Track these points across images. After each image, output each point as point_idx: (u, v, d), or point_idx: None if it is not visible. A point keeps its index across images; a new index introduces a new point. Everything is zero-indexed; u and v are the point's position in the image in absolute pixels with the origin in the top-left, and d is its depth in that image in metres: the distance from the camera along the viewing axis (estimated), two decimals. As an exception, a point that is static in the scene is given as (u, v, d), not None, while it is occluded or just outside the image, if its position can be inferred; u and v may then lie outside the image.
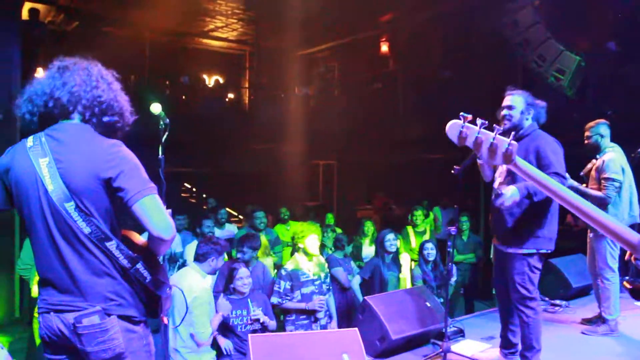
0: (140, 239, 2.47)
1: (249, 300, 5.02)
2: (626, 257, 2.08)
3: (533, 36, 8.71)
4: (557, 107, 9.66)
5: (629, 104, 8.28)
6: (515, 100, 4.35)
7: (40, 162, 2.21)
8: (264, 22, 14.05)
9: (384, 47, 14.65)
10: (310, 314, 5.36)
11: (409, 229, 8.75)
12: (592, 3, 9.74)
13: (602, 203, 5.30)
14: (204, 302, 4.55)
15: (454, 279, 6.33)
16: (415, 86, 12.64)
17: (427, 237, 8.83)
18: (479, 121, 2.05)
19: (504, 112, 4.34)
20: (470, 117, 2.05)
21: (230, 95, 16.01)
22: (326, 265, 5.80)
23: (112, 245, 2.24)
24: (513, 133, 2.19)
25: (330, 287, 5.77)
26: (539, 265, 4.29)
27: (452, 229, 4.91)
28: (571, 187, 5.55)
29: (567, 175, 4.39)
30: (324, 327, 5.44)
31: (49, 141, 2.26)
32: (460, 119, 2.06)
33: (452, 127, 2.07)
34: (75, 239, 2.22)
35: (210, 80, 15.81)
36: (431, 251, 6.58)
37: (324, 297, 5.49)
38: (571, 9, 9.53)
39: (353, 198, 14.73)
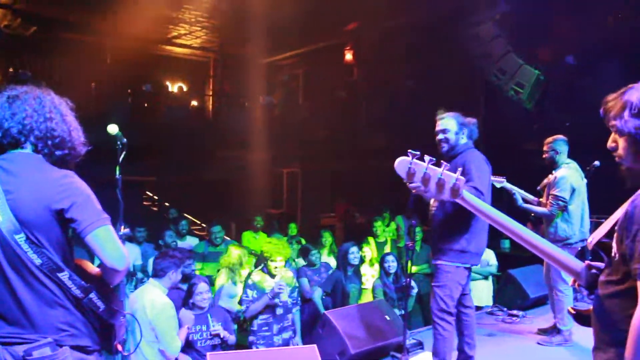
0: (93, 268, 2.44)
1: (208, 315, 4.98)
2: (570, 284, 2.16)
3: (494, 49, 8.88)
4: (517, 119, 9.96)
5: (586, 116, 8.46)
6: (448, 124, 4.53)
7: None
8: (228, 29, 13.99)
9: (349, 56, 14.73)
10: (273, 307, 5.35)
11: (370, 239, 8.80)
12: (551, 18, 9.98)
13: (547, 219, 5.47)
14: (169, 316, 4.49)
15: (414, 290, 6.39)
16: (380, 95, 12.75)
17: (388, 247, 8.92)
18: (426, 158, 2.11)
19: (440, 136, 4.51)
20: (418, 153, 2.10)
21: (194, 103, 15.90)
22: (294, 280, 5.79)
23: (64, 275, 2.20)
24: (460, 170, 2.23)
25: (298, 302, 5.75)
26: (463, 281, 4.37)
27: (409, 244, 5.00)
28: (523, 199, 5.71)
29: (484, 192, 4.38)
30: (286, 340, 5.43)
31: None
32: (408, 155, 2.10)
33: (401, 164, 2.12)
34: (26, 271, 2.17)
35: (173, 87, 15.68)
36: (392, 264, 6.63)
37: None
38: (530, 24, 9.75)
39: (317, 206, 14.76)
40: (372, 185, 13.02)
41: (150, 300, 4.43)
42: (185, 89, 16.08)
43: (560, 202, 5.36)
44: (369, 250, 7.83)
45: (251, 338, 5.37)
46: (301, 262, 7.69)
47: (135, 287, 6.09)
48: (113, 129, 3.54)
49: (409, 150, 2.12)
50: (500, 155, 10.19)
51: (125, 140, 3.68)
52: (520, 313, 6.57)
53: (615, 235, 1.88)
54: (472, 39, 9.04)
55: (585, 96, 9.24)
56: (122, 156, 3.69)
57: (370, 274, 7.19)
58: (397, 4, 10.77)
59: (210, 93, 16.55)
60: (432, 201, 4.50)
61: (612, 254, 1.89)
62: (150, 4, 11.25)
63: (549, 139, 5.67)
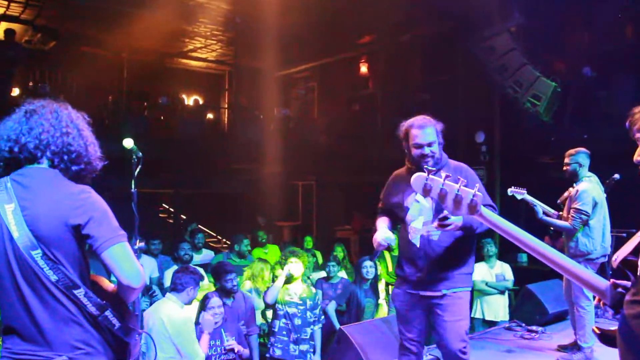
0: (109, 284, 2.42)
1: (222, 330, 4.96)
2: (595, 302, 2.10)
3: (509, 62, 8.83)
4: (533, 131, 9.89)
5: (603, 128, 8.41)
6: (433, 135, 3.76)
7: (6, 208, 2.15)
8: (243, 43, 14.07)
9: (363, 69, 14.75)
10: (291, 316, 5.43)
11: (386, 253, 8.75)
12: (567, 29, 9.93)
13: (568, 233, 5.37)
14: (189, 330, 4.50)
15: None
16: (395, 107, 12.72)
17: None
18: (442, 173, 2.12)
19: (425, 150, 3.71)
20: (435, 169, 2.16)
21: (210, 116, 15.95)
22: (317, 295, 5.82)
23: (80, 292, 2.18)
24: (478, 186, 2.20)
25: (319, 319, 5.74)
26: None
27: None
28: (543, 212, 5.62)
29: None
30: (303, 353, 5.46)
31: (15, 186, 2.19)
32: (424, 171, 2.12)
33: (417, 180, 2.15)
34: (42, 287, 2.15)
35: (189, 100, 15.76)
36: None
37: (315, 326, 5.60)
38: (547, 35, 9.70)
39: (332, 218, 14.72)
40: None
41: (168, 316, 4.43)
42: (201, 102, 16.16)
43: (582, 215, 5.26)
44: (382, 265, 7.79)
45: (272, 339, 5.52)
46: (316, 276, 7.68)
47: (151, 302, 6.08)
48: (129, 142, 3.56)
49: (426, 167, 2.17)
50: (517, 168, 10.18)
51: (140, 154, 3.69)
52: (540, 329, 6.46)
53: None
54: (488, 52, 8.99)
55: (603, 108, 9.19)
56: (138, 170, 3.71)
57: (382, 288, 7.14)
58: (411, 17, 10.77)
59: (226, 106, 16.62)
60: (417, 223, 3.81)
61: (639, 273, 1.85)
62: (166, 18, 11.34)
63: (571, 151, 5.56)
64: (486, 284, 7.41)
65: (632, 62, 9.22)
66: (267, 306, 5.86)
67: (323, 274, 7.73)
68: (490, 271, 7.52)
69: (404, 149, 3.91)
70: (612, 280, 1.98)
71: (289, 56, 14.03)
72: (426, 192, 2.14)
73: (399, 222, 4.00)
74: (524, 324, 6.61)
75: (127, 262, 2.21)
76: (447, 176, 2.12)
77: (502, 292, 7.49)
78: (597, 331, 2.11)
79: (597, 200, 5.34)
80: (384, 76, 13.93)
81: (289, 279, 5.60)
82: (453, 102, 10.84)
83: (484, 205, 3.41)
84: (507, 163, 10.13)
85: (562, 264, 2.07)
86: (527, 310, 6.86)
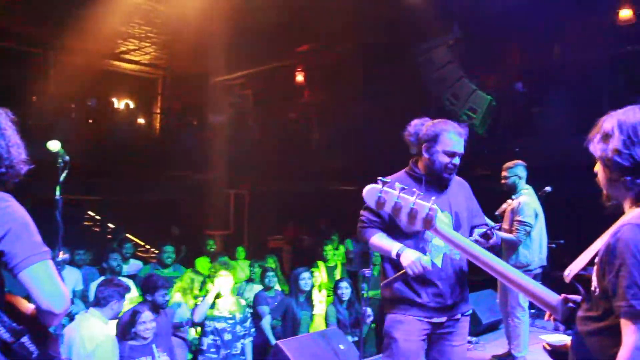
0: (27, 305, 2.12)
1: (153, 345, 4.71)
2: (545, 318, 2.08)
3: (447, 75, 8.96)
4: (468, 143, 10.04)
5: (535, 142, 8.66)
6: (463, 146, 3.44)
7: None
8: (178, 47, 13.73)
9: (300, 77, 14.68)
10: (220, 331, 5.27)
11: (320, 264, 8.66)
12: (501, 46, 10.20)
13: (512, 245, 5.42)
14: (108, 351, 4.22)
15: (370, 319, 6.26)
16: (332, 117, 12.71)
17: (338, 271, 8.77)
18: (397, 185, 2.00)
19: (455, 160, 3.40)
20: (389, 181, 1.99)
21: (141, 121, 15.49)
22: (246, 308, 5.66)
23: None
24: (433, 199, 2.08)
25: (250, 332, 5.58)
26: None
27: (367, 272, 4.86)
28: (489, 227, 5.64)
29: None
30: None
31: None
32: (378, 182, 1.99)
33: (370, 192, 2.01)
34: None
35: (119, 104, 15.24)
36: (345, 290, 6.49)
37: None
38: (482, 51, 9.93)
39: (264, 228, 14.54)
40: (321, 208, 12.93)
41: (89, 333, 4.14)
42: (132, 106, 15.66)
43: (526, 227, 5.33)
44: (319, 275, 7.69)
45: (200, 358, 5.30)
46: (255, 287, 7.49)
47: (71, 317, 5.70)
48: (54, 145, 3.30)
49: (379, 178, 2.01)
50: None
51: (67, 157, 3.44)
52: (474, 339, 6.49)
53: (595, 268, 1.79)
54: (426, 64, 9.10)
55: (534, 123, 9.47)
56: (64, 175, 3.45)
57: (318, 300, 7.02)
58: (350, 27, 10.79)
59: (159, 111, 16.17)
60: (445, 246, 3.34)
61: (592, 288, 1.80)
62: (98, 17, 10.92)
63: (509, 164, 5.64)
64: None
65: (561, 78, 9.57)
66: (195, 324, 5.61)
67: (256, 287, 7.57)
68: None
69: (418, 152, 3.49)
70: (563, 295, 1.96)
71: (224, 62, 13.80)
72: (379, 205, 2.01)
73: (402, 238, 3.31)
74: (458, 334, 6.62)
75: (49, 284, 1.92)
76: (402, 188, 2.01)
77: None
78: (548, 347, 2.07)
79: (537, 211, 5.43)
80: (320, 85, 13.91)
81: (218, 295, 5.42)
82: (390, 113, 10.90)
83: (479, 226, 3.49)
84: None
85: (514, 278, 2.04)
86: (461, 322, 6.88)
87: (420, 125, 3.55)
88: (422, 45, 9.29)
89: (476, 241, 3.28)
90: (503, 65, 10.24)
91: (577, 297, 1.94)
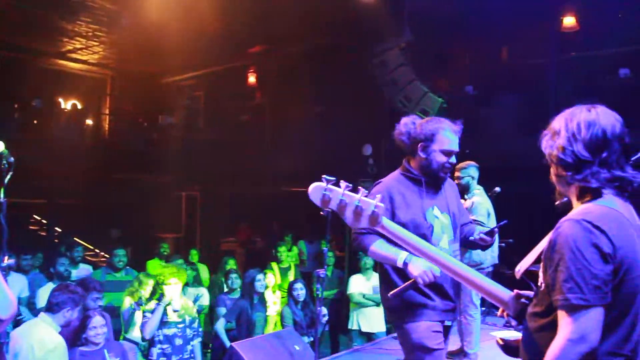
0: None
1: (105, 351, 4.60)
2: (498, 314, 2.12)
3: (399, 77, 9.05)
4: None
5: (485, 144, 8.84)
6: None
7: None
8: (127, 46, 13.44)
9: (252, 79, 14.60)
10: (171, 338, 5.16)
11: (274, 265, 8.65)
12: (451, 50, 10.40)
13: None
14: (58, 358, 4.08)
15: (325, 318, 6.27)
16: (285, 119, 12.69)
17: (292, 272, 8.78)
18: (342, 184, 2.02)
19: (452, 159, 3.35)
20: (333, 179, 2.01)
21: (89, 122, 15.11)
22: (194, 309, 5.53)
23: None
24: (379, 197, 2.08)
25: (199, 334, 5.50)
26: None
27: (321, 272, 4.87)
28: (496, 225, 5.71)
29: None
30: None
31: None
32: (322, 181, 2.00)
33: (315, 191, 2.02)
34: None
35: (66, 104, 14.83)
36: (301, 292, 6.50)
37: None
38: (433, 54, 10.10)
39: (217, 231, 14.41)
40: (274, 210, 12.90)
41: (40, 340, 4.00)
42: (79, 106, 15.25)
43: (481, 226, 5.43)
44: (273, 277, 7.67)
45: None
46: (195, 291, 7.41)
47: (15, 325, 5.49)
48: (-2, 146, 3.19)
49: (323, 176, 2.02)
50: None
51: (12, 159, 3.34)
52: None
53: (541, 264, 1.85)
54: (379, 66, 9.19)
55: (484, 126, 9.67)
56: (9, 177, 3.35)
57: (272, 301, 7.01)
58: (302, 28, 10.79)
59: (107, 112, 15.81)
60: (449, 247, 3.36)
61: (539, 284, 1.86)
62: (42, 13, 10.61)
63: (462, 165, 5.75)
64: (363, 296, 7.43)
65: (509, 82, 9.82)
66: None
67: (202, 290, 7.51)
68: (367, 283, 7.53)
69: (411, 152, 3.36)
70: (515, 291, 2.00)
71: (175, 63, 13.61)
72: (324, 203, 2.02)
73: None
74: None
75: None
76: (346, 186, 2.02)
77: (378, 305, 7.53)
78: (501, 342, 2.12)
79: (489, 211, 5.55)
80: (273, 87, 13.86)
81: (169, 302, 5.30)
82: (342, 115, 10.97)
83: (465, 224, 3.47)
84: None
85: (467, 276, 2.08)
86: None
87: (411, 124, 3.42)
88: (374, 47, 9.36)
89: (481, 239, 3.30)
90: (454, 69, 10.44)
91: (530, 293, 1.99)
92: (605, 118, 1.87)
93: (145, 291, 6.26)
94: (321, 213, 4.71)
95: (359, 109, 10.65)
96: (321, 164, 11.09)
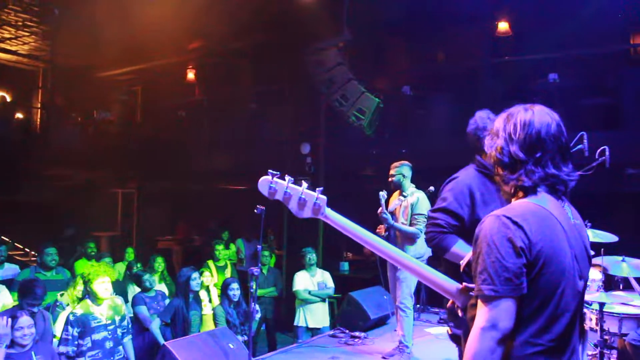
0: None
1: (32, 353, 4.45)
2: (448, 305, 2.17)
3: (336, 76, 9.12)
4: (356, 145, 10.32)
5: (420, 143, 9.03)
6: None
7: None
8: (60, 38, 13.00)
9: (190, 75, 14.38)
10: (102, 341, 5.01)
11: (210, 263, 8.58)
12: (388, 50, 10.55)
13: (414, 237, 5.67)
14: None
15: (258, 315, 6.27)
16: (222, 116, 12.57)
17: (228, 271, 8.74)
18: (287, 178, 2.21)
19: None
20: (278, 173, 2.20)
21: (19, 115, 14.55)
22: (123, 307, 5.39)
23: None
24: (321, 189, 2.21)
25: (129, 331, 5.37)
26: None
27: (255, 270, 4.88)
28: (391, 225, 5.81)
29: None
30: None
31: None
32: (268, 174, 2.19)
33: (262, 183, 2.21)
34: None
35: (-6, 97, 14.27)
36: (236, 291, 6.48)
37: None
38: (370, 54, 10.22)
39: (154, 228, 14.15)
40: (212, 207, 12.79)
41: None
42: (8, 99, 14.67)
43: (425, 219, 5.57)
44: (209, 275, 7.62)
45: None
46: (134, 289, 7.29)
47: None
48: None
49: (269, 170, 2.19)
50: (341, 179, 10.54)
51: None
52: (362, 334, 6.68)
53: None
54: (316, 65, 9.23)
55: (419, 125, 9.88)
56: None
57: (208, 299, 6.96)
58: (242, 25, 10.72)
59: (39, 105, 15.26)
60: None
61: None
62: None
63: (396, 164, 5.92)
64: (309, 292, 7.51)
65: (444, 83, 10.05)
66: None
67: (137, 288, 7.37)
68: (312, 279, 7.63)
69: (483, 148, 3.25)
70: (464, 284, 2.06)
71: (111, 56, 13.25)
72: (271, 194, 2.20)
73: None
74: (347, 330, 6.79)
75: None
76: (290, 179, 2.20)
77: (323, 300, 7.62)
78: (450, 332, 2.27)
79: (427, 207, 5.70)
80: (212, 84, 13.71)
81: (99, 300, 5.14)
82: (280, 113, 10.97)
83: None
84: (331, 174, 10.45)
85: (413, 267, 2.15)
86: (349, 317, 7.06)
87: (487, 119, 3.39)
88: (312, 46, 9.41)
89: None
90: (391, 69, 10.60)
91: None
92: (541, 118, 1.95)
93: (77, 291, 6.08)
94: (255, 211, 4.75)
95: (296, 107, 10.68)
96: (259, 161, 11.07)
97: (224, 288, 6.55)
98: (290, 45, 10.09)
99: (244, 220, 11.24)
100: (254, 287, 4.82)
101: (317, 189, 2.20)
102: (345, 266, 10.59)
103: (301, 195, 2.18)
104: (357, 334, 6.69)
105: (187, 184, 13.03)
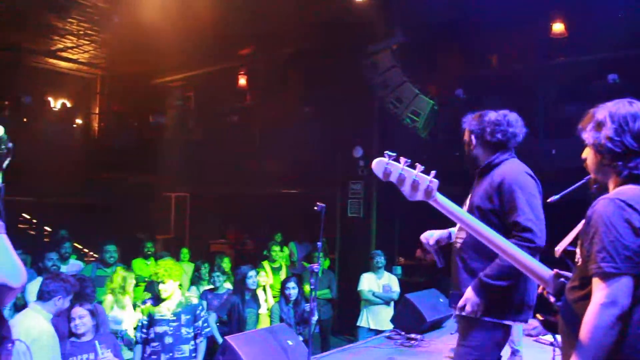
0: None
1: (96, 342, 4.60)
2: (539, 291, 2.27)
3: (390, 79, 9.09)
4: (409, 148, 10.23)
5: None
6: None
7: None
8: (118, 46, 13.38)
9: (242, 81, 14.59)
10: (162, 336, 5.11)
11: (266, 264, 8.66)
12: (442, 53, 10.47)
13: None
14: (44, 346, 4.04)
15: (315, 317, 6.30)
16: (274, 121, 12.69)
17: (283, 272, 8.80)
18: (402, 159, 2.27)
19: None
20: (394, 155, 2.25)
21: (79, 121, 15.03)
22: (198, 309, 5.43)
23: None
24: (434, 173, 2.28)
25: (201, 333, 5.39)
26: None
27: (315, 267, 4.89)
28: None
29: None
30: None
31: None
32: (385, 157, 2.25)
33: (378, 164, 2.28)
34: None
35: (56, 103, 14.75)
36: (293, 291, 6.52)
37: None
38: (424, 57, 10.16)
39: (206, 232, 14.37)
40: (263, 211, 12.90)
41: (27, 328, 3.98)
42: (69, 105, 15.18)
43: None
44: (265, 275, 7.70)
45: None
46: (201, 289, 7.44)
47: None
48: (-2, 129, 3.16)
49: (386, 152, 2.26)
50: (389, 184, 10.46)
51: (11, 144, 3.32)
52: (418, 336, 6.62)
53: (579, 241, 2.03)
54: (370, 68, 9.22)
55: (473, 129, 9.74)
56: (7, 162, 3.34)
57: (263, 299, 7.03)
58: (293, 30, 10.82)
59: (97, 112, 15.74)
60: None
61: (576, 259, 2.04)
62: (33, 12, 10.56)
63: None
64: (373, 294, 7.52)
65: (498, 86, 9.91)
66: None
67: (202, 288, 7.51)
68: (378, 281, 7.67)
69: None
70: (555, 270, 2.16)
71: (166, 63, 13.58)
72: (386, 175, 2.26)
73: None
74: (403, 332, 6.74)
75: (5, 257, 1.89)
76: (405, 161, 2.25)
77: (387, 303, 7.62)
78: (541, 318, 2.29)
79: None
80: (263, 89, 13.87)
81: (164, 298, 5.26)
82: (333, 117, 10.99)
83: None
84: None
85: (512, 253, 2.25)
86: (405, 319, 7.01)
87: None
88: (365, 49, 9.41)
89: None
90: (444, 72, 10.51)
91: (568, 274, 2.16)
92: None
93: (129, 288, 6.20)
94: (315, 208, 4.76)
95: (349, 111, 10.68)
96: (311, 165, 11.13)
97: (282, 287, 6.61)
98: (342, 48, 10.12)
99: (295, 223, 11.32)
100: (314, 283, 4.83)
101: (431, 172, 2.24)
102: (398, 270, 10.54)
103: (415, 178, 2.23)
104: (413, 335, 6.63)
105: (239, 188, 13.19)
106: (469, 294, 3.10)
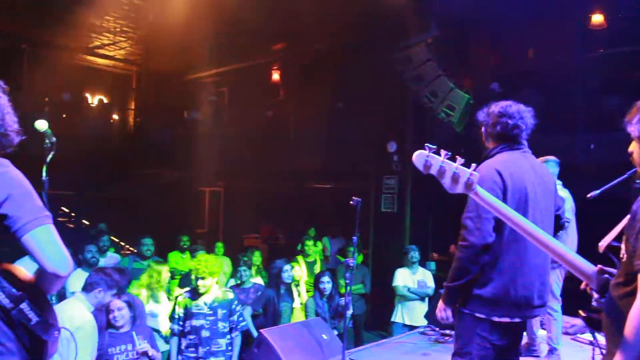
0: (25, 273, 2.09)
1: (133, 333, 4.70)
2: (582, 287, 2.21)
3: (425, 73, 9.01)
4: (443, 142, 10.15)
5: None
6: None
7: None
8: (153, 42, 13.57)
9: (275, 76, 14.63)
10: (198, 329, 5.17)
11: (300, 258, 8.69)
12: (477, 47, 10.33)
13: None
14: (86, 335, 4.14)
15: (349, 312, 6.29)
16: (308, 116, 12.71)
17: (317, 267, 8.82)
18: (442, 152, 2.24)
19: None
20: (435, 147, 2.23)
21: (115, 117, 15.28)
22: (234, 304, 5.43)
23: None
24: (474, 166, 2.26)
25: (237, 327, 5.38)
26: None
27: (350, 261, 4.89)
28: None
29: None
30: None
31: None
32: (425, 149, 2.23)
33: (418, 157, 2.25)
34: None
35: (93, 99, 15.03)
36: (327, 285, 6.54)
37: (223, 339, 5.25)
38: (459, 50, 10.04)
39: (240, 226, 14.48)
40: (297, 206, 12.93)
41: (70, 316, 4.07)
42: (106, 101, 15.45)
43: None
44: (299, 269, 7.73)
45: (179, 357, 5.22)
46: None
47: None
48: (42, 124, 3.24)
49: (426, 144, 2.25)
50: (428, 178, 10.39)
51: (54, 139, 3.40)
52: (453, 332, 6.55)
53: (623, 237, 1.98)
54: (404, 62, 9.16)
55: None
56: (51, 156, 3.41)
57: (297, 293, 7.06)
58: (326, 25, 10.80)
59: (133, 107, 15.98)
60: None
61: (621, 255, 1.98)
62: (72, 10, 10.76)
63: (541, 159, 5.63)
64: (408, 289, 7.49)
65: (535, 80, 9.74)
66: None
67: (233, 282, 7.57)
68: (413, 277, 7.63)
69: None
70: (599, 266, 2.10)
71: (201, 59, 13.71)
72: (426, 168, 2.24)
73: None
74: (437, 328, 6.70)
75: (53, 247, 1.94)
76: (446, 154, 2.22)
77: (422, 299, 7.58)
78: (583, 314, 2.24)
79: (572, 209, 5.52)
80: (297, 84, 13.88)
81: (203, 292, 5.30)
82: (367, 111, 10.95)
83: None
84: (418, 173, 10.32)
85: (553, 247, 2.19)
86: (439, 315, 6.95)
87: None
88: (400, 43, 9.35)
89: None
90: (479, 65, 10.37)
91: (613, 270, 2.10)
92: None
93: (163, 281, 6.26)
94: (350, 202, 4.76)
95: (382, 105, 10.63)
96: (344, 160, 11.11)
97: (316, 281, 6.63)
98: (377, 43, 10.07)
99: (329, 218, 11.34)
100: (349, 278, 4.83)
101: (472, 164, 2.22)
102: (432, 265, 10.47)
103: (455, 170, 2.20)
104: (447, 331, 6.58)
105: (273, 183, 13.25)
106: (439, 302, 3.38)
